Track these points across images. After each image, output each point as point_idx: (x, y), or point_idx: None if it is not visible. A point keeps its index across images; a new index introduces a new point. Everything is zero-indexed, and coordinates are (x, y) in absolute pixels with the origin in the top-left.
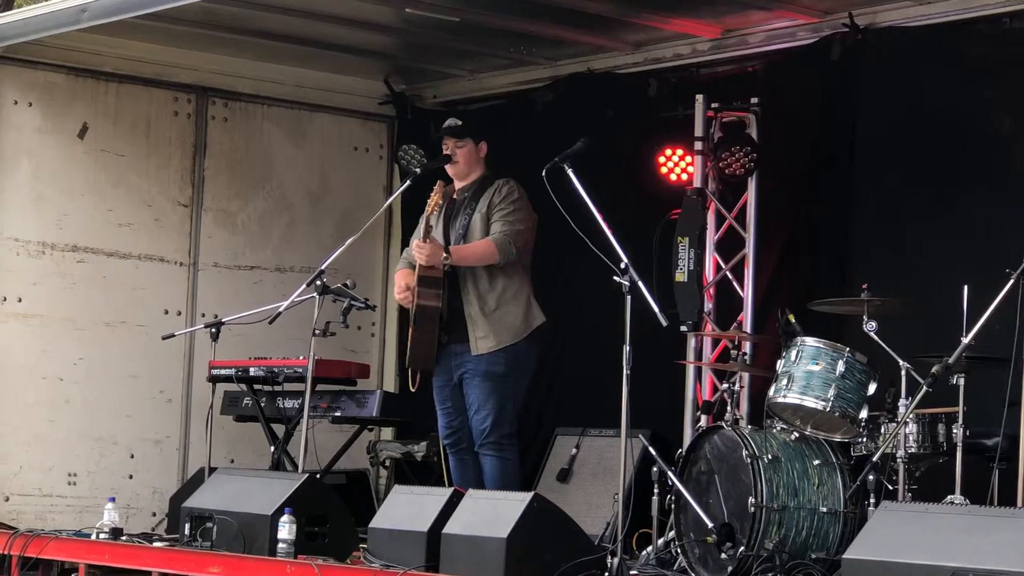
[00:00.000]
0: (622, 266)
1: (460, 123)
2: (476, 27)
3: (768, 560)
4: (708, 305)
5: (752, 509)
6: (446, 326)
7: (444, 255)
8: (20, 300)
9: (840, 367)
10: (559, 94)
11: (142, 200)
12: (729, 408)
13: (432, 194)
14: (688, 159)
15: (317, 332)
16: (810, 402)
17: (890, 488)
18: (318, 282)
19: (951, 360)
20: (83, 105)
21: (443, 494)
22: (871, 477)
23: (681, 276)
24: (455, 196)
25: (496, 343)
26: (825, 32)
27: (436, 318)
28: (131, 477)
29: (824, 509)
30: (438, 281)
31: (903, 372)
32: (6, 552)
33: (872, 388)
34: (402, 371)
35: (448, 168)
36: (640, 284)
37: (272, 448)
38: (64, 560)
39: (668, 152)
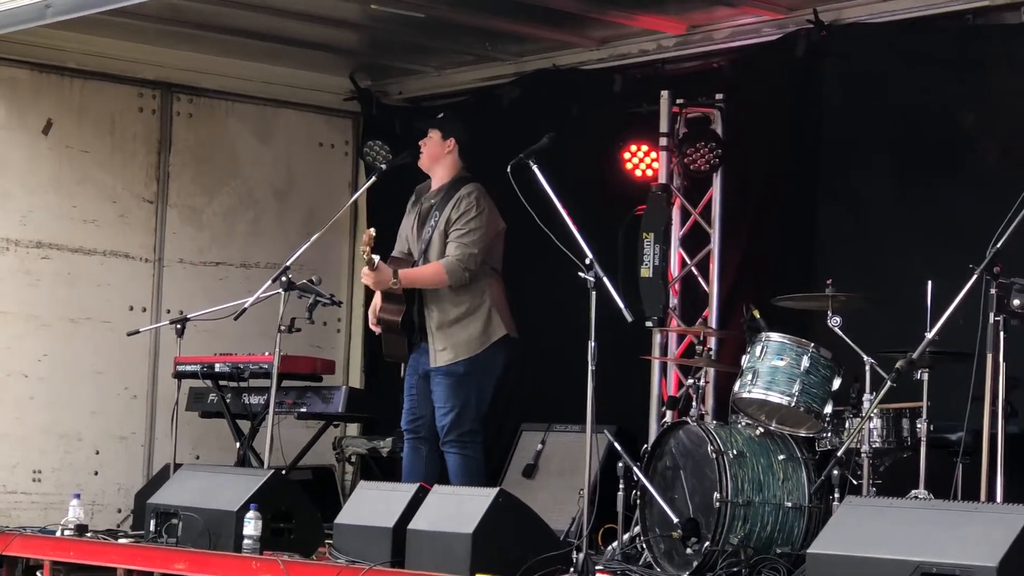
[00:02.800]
0: (587, 262)
1: (441, 115)
2: (441, 23)
3: (733, 555)
4: (673, 301)
5: (717, 504)
6: (419, 331)
7: (393, 280)
8: None
9: (805, 362)
10: (524, 90)
11: (107, 196)
12: (694, 403)
13: (363, 244)
14: (653, 155)
15: (282, 328)
16: (775, 397)
17: (854, 483)
18: (283, 278)
19: (915, 355)
20: (47, 101)
21: (409, 490)
22: (835, 472)
23: (646, 272)
24: (423, 201)
25: (453, 356)
26: (790, 28)
27: (397, 331)
28: (96, 473)
29: (789, 504)
30: (400, 297)
31: (867, 367)
32: None
33: (837, 383)
34: (368, 367)
35: (420, 162)
36: (605, 280)
37: (238, 444)
38: (29, 557)
39: (633, 148)
